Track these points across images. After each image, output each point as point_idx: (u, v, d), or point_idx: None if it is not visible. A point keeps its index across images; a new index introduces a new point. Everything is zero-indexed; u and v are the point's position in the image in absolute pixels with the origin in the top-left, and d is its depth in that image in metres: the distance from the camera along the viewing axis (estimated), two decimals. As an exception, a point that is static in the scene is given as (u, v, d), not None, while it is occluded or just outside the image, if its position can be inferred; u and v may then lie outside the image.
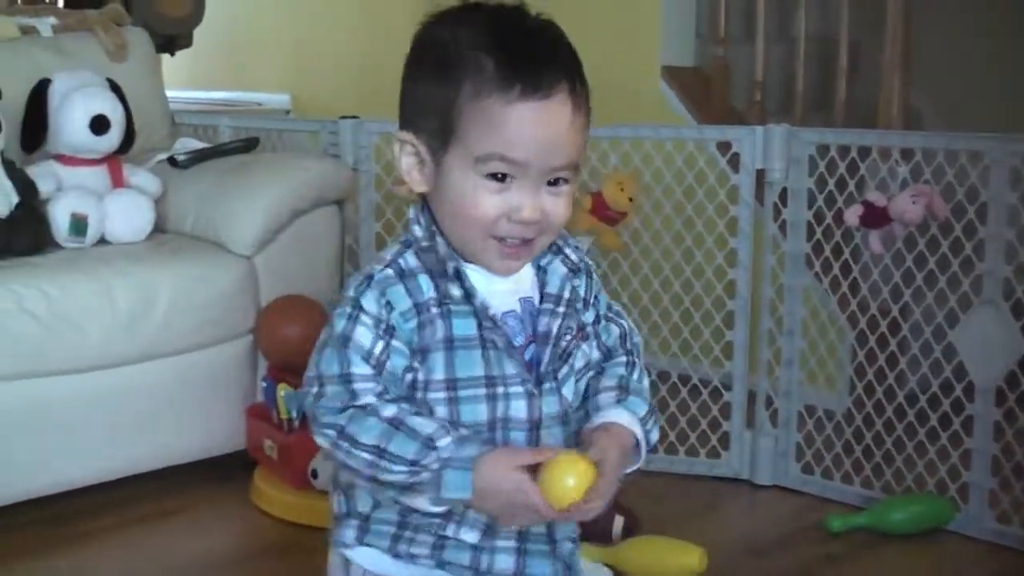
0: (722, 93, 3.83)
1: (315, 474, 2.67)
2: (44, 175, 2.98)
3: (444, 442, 1.25)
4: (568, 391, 1.38)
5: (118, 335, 2.73)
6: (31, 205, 2.90)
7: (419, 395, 1.31)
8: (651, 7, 3.85)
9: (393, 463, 1.25)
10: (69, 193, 2.96)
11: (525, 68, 1.28)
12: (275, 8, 5.35)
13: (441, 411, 1.30)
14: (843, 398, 3.02)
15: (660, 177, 3.09)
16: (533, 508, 1.25)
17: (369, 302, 1.30)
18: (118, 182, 3.08)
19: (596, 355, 1.43)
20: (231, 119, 3.73)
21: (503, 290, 1.35)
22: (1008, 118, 3.64)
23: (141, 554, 2.59)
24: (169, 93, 3.73)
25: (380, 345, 1.30)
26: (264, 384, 2.86)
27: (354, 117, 3.32)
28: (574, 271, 1.40)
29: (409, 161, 1.34)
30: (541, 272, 1.38)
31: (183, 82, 5.22)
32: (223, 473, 2.93)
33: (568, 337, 1.38)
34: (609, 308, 1.46)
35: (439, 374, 1.31)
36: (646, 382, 1.44)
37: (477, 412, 1.31)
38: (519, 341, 1.35)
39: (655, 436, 1.40)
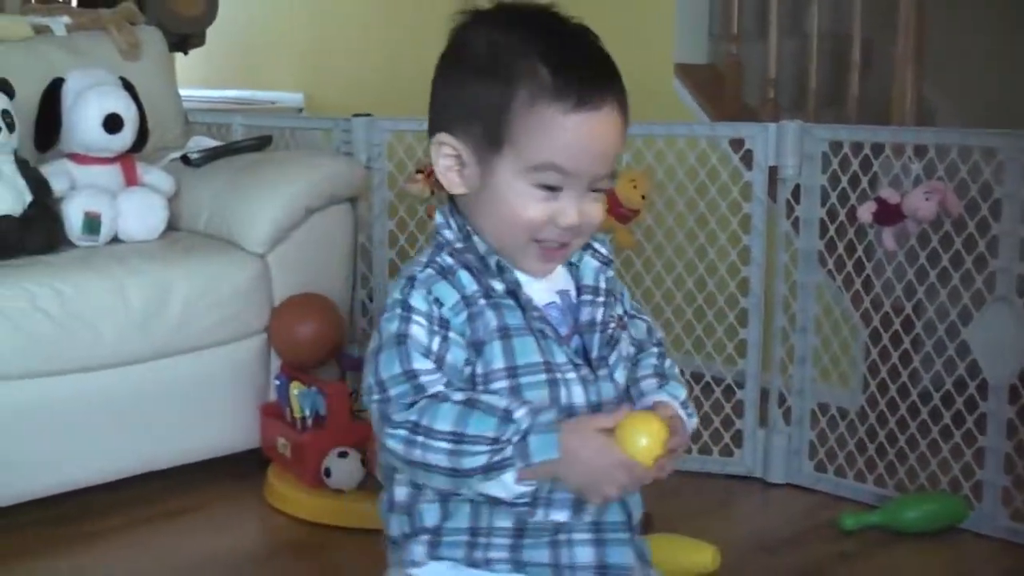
0: (735, 90, 3.83)
1: (328, 472, 2.68)
2: (57, 174, 2.99)
3: (521, 413, 1.25)
4: (620, 377, 1.41)
5: (131, 333, 2.73)
6: (44, 204, 2.90)
7: (479, 389, 1.32)
8: (664, 5, 3.85)
9: (474, 444, 1.24)
10: (82, 192, 2.97)
11: (582, 78, 1.30)
12: (289, 7, 5.36)
13: None
14: (856, 396, 3.02)
15: (673, 174, 3.09)
16: (621, 466, 1.25)
17: (417, 300, 1.31)
18: (131, 181, 3.09)
19: (630, 348, 1.46)
20: (244, 117, 3.74)
21: (539, 287, 1.38)
22: (1022, 114, 3.63)
23: (156, 553, 2.59)
24: (183, 92, 3.74)
25: (437, 340, 1.30)
26: (277, 382, 2.86)
27: (367, 115, 3.33)
28: (606, 263, 1.44)
29: (447, 163, 1.35)
30: (573, 267, 1.42)
31: (197, 81, 5.24)
32: (237, 471, 2.93)
33: (612, 325, 1.41)
34: (631, 305, 1.50)
35: (498, 363, 1.32)
36: (677, 371, 1.48)
37: (539, 398, 1.32)
38: (563, 332, 1.37)
39: (694, 422, 1.44)
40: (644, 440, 1.26)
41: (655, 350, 1.49)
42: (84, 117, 3.02)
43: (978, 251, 2.64)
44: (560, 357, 1.34)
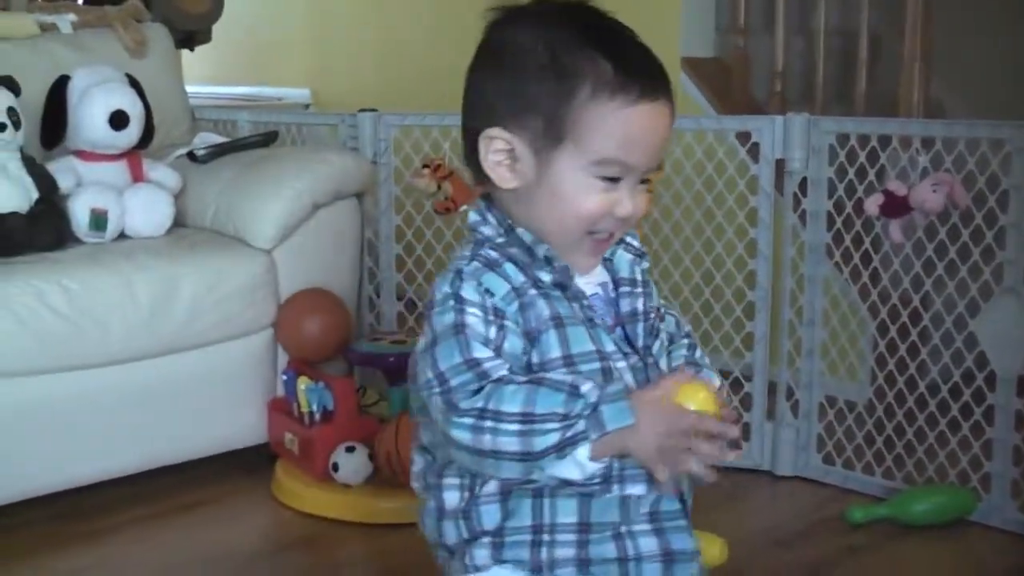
0: (742, 84, 3.82)
1: (336, 467, 2.68)
2: (64, 171, 2.99)
3: (587, 387, 1.25)
4: (664, 365, 1.43)
5: (139, 330, 2.74)
6: (51, 201, 2.91)
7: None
8: (671, -2, 3.85)
9: (544, 423, 1.23)
10: (89, 188, 2.97)
11: (641, 71, 1.32)
12: (295, 3, 5.36)
13: None
14: (864, 389, 3.01)
15: (680, 168, 3.09)
16: (692, 422, 1.25)
17: (468, 292, 1.31)
18: (138, 177, 3.09)
19: (664, 340, 1.48)
20: (250, 113, 3.74)
21: (581, 281, 1.39)
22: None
23: (164, 548, 2.59)
24: (190, 89, 3.74)
25: (493, 330, 1.30)
26: (284, 377, 2.87)
27: (373, 110, 3.33)
28: (639, 256, 1.46)
29: (498, 158, 1.35)
30: (608, 262, 1.43)
31: (205, 78, 5.24)
32: (246, 466, 2.94)
33: (653, 315, 1.43)
34: (658, 300, 1.51)
35: (555, 352, 1.31)
36: (708, 361, 1.50)
37: None
38: (608, 322, 1.38)
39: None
40: (699, 400, 1.27)
41: (685, 342, 1.50)
42: (90, 114, 3.02)
43: (985, 243, 2.64)
44: (609, 346, 1.35)
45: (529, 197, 1.35)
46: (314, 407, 2.75)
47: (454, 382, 1.27)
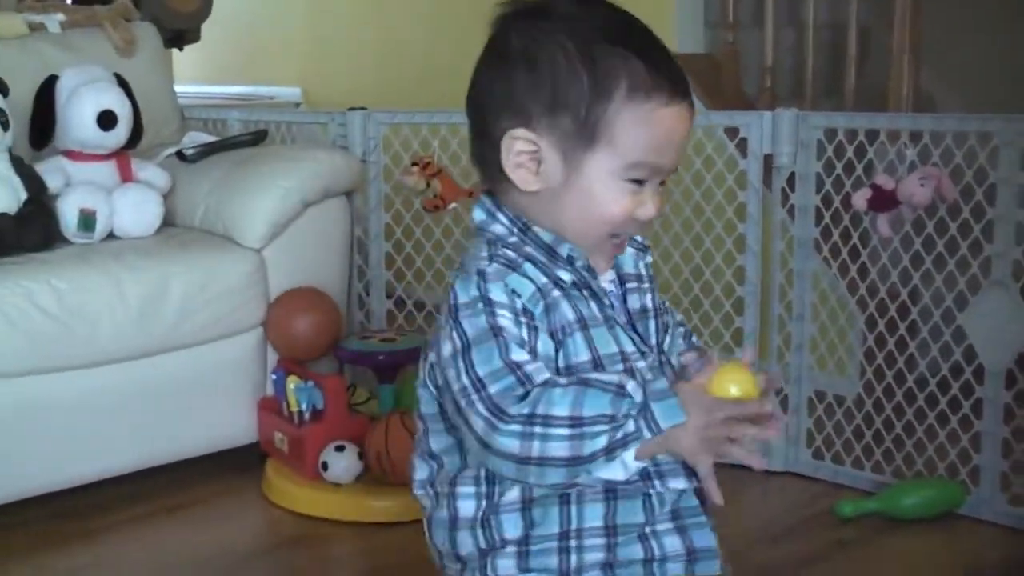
0: (733, 79, 3.82)
1: (326, 466, 2.68)
2: (52, 171, 2.99)
3: (632, 385, 1.22)
4: (675, 362, 1.42)
5: (128, 329, 2.73)
6: (40, 201, 2.91)
7: None
8: (661, -6, 3.85)
9: (594, 425, 1.19)
10: (77, 188, 2.97)
11: (671, 70, 1.29)
12: (291, 3, 5.35)
13: None
14: (853, 383, 3.01)
15: (669, 164, 3.08)
16: (735, 410, 1.22)
17: (497, 294, 1.26)
18: (127, 177, 3.09)
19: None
20: (240, 113, 3.74)
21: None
22: (1018, 98, 3.62)
23: (155, 548, 2.60)
24: (181, 88, 3.74)
25: (526, 331, 1.25)
26: (274, 377, 2.86)
27: (362, 108, 3.33)
28: (642, 250, 1.43)
29: (520, 159, 1.30)
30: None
31: (196, 77, 5.24)
32: (236, 466, 2.94)
33: (661, 311, 1.42)
34: None
35: (583, 355, 1.29)
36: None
37: None
38: (623, 320, 1.36)
39: None
40: (738, 385, 1.25)
41: (680, 330, 1.49)
42: (78, 114, 3.02)
43: (973, 236, 2.64)
44: (629, 346, 1.33)
45: (552, 199, 1.30)
46: (303, 406, 2.75)
47: (495, 387, 1.22)
